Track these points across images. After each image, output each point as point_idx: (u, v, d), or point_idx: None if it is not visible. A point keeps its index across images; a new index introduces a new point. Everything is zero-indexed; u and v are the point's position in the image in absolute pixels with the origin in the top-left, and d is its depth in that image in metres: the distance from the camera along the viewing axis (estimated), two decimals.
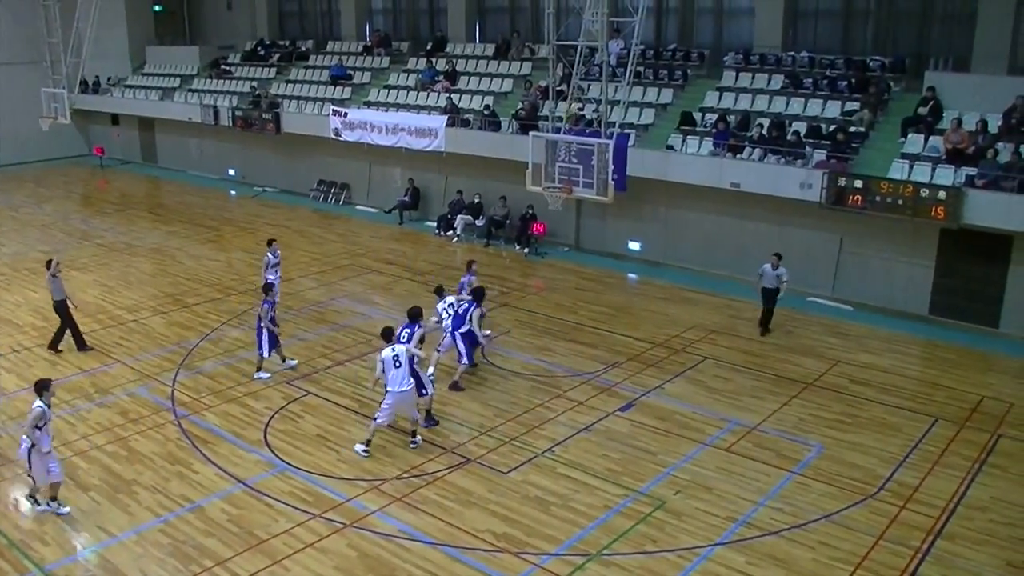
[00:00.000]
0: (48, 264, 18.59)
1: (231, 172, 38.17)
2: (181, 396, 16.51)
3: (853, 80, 23.53)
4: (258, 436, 14.90)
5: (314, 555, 11.70)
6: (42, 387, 12.55)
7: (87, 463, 14.11)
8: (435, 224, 28.77)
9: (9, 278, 24.11)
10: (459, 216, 27.76)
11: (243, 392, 16.59)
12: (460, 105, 29.37)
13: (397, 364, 13.65)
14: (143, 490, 13.31)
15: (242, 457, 14.22)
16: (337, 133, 31.05)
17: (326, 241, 27.67)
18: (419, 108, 30.51)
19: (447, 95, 29.94)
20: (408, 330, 14.48)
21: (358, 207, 32.46)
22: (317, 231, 29.25)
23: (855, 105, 22.86)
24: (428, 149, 28.35)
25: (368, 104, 32.07)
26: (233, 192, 36.31)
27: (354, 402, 16.12)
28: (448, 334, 16.75)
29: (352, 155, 32.00)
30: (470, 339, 16.47)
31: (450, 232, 27.86)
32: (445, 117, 28.21)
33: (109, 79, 43.08)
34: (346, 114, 30.81)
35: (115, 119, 43.52)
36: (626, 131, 23.33)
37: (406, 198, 30.05)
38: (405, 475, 13.60)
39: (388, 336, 14.18)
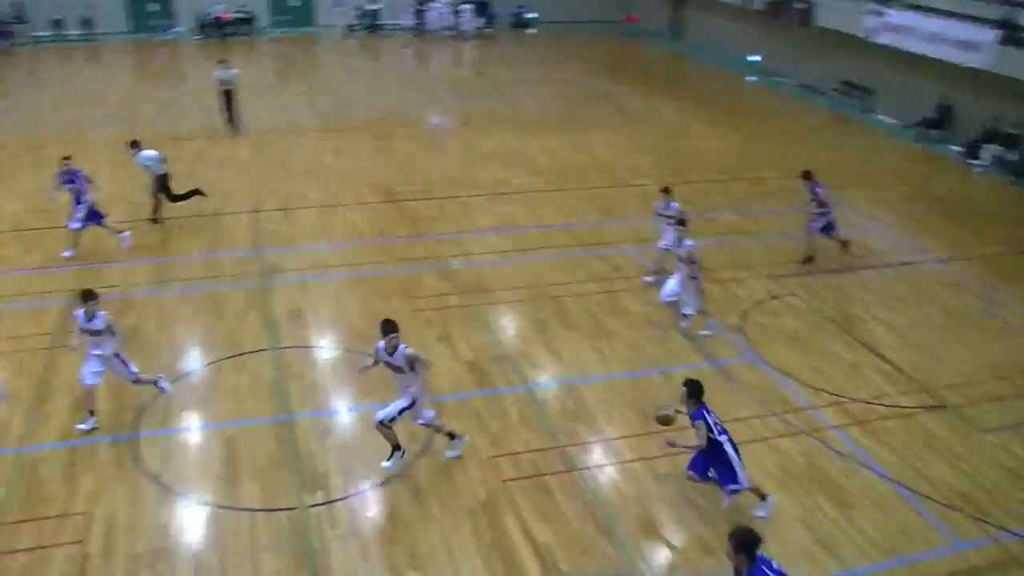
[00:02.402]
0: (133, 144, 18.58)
1: (754, 58, 37.83)
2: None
3: None
4: (735, 322, 15.17)
5: (763, 450, 11.83)
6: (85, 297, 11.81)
7: (576, 306, 15.40)
8: (960, 149, 26.37)
9: (527, 129, 26.38)
10: (988, 145, 25.16)
11: (728, 277, 16.86)
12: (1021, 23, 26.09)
13: None
14: (622, 344, 14.26)
15: (715, 338, 14.60)
16: (870, 34, 29.29)
17: (841, 147, 26.51)
18: (965, 17, 27.56)
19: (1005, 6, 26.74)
20: None
21: (878, 116, 30.70)
22: (830, 134, 28.23)
23: None
24: (969, 65, 25.77)
25: (916, 8, 29.69)
26: (752, 78, 36.07)
27: (839, 315, 15.68)
28: None
29: (881, 59, 30.07)
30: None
31: (974, 161, 25.43)
32: (997, 32, 25.24)
33: None
34: (886, 14, 28.88)
35: None
36: None
37: (932, 114, 27.81)
38: (873, 401, 13.12)
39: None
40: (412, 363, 10.62)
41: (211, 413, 12.45)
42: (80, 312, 11.69)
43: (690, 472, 10.66)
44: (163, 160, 18.43)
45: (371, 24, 42.74)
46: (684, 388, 10.27)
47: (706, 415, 10.22)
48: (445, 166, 22.80)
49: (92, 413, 11.93)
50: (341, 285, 16.19)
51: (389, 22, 42.82)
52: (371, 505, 10.60)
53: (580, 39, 42.52)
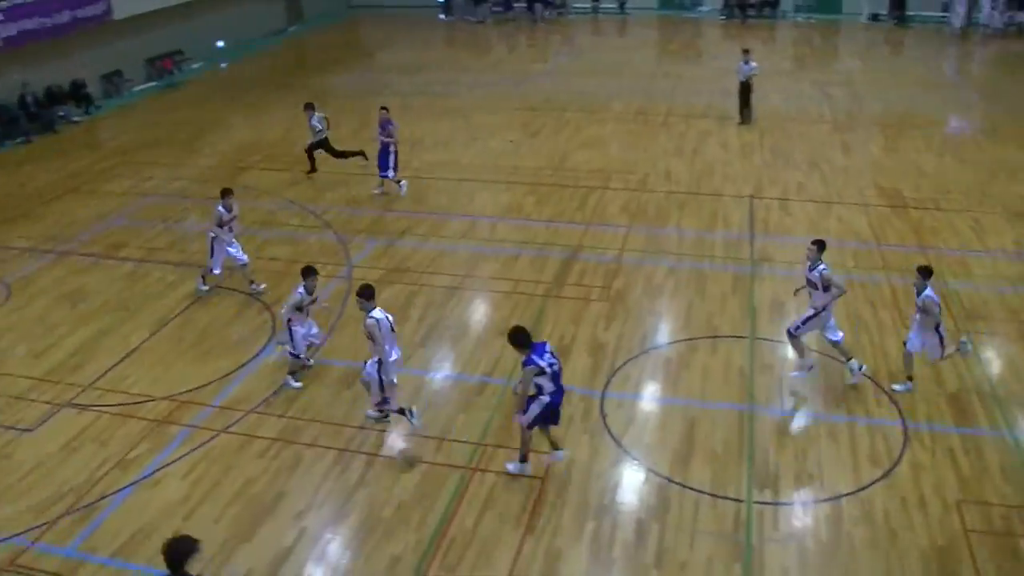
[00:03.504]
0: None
1: None
2: None
3: None
4: None
5: None
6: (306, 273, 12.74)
7: None
8: None
9: None
10: None
11: None
12: None
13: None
14: None
15: None
16: None
17: None
18: None
19: None
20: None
21: None
22: None
23: None
24: None
25: None
26: None
27: None
28: None
29: None
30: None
31: None
32: None
33: None
34: None
35: None
36: None
37: None
38: None
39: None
40: (370, 332, 11.22)
41: (678, 388, 12.94)
42: (302, 288, 12.58)
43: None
44: (325, 120, 21.12)
45: (900, 15, 40.42)
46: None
47: (536, 360, 10.13)
48: (960, 176, 20.99)
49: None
50: None
51: (920, 12, 40.19)
52: (817, 517, 10.35)
53: None
